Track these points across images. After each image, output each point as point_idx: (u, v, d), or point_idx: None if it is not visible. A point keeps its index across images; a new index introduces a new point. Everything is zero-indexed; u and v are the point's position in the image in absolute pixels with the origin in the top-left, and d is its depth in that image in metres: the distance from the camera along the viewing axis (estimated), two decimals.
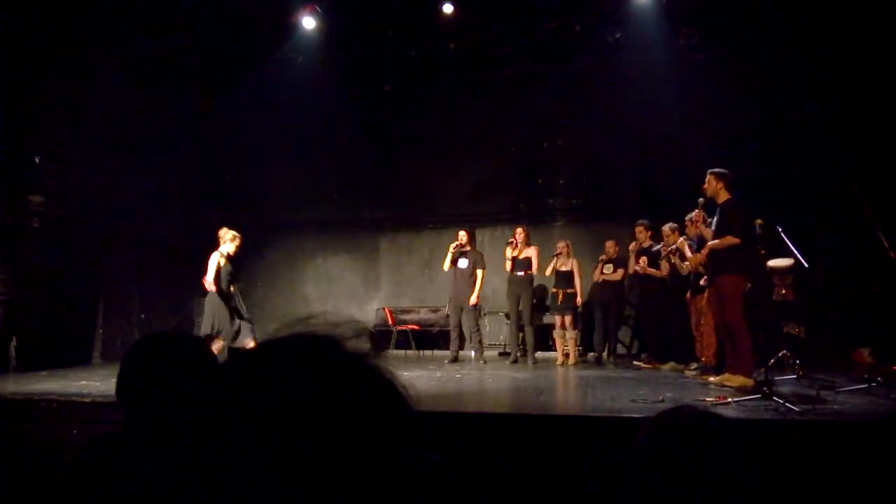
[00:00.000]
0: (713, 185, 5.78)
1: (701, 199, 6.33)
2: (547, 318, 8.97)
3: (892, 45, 7.68)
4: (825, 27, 8.03)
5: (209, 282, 6.91)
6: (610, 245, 8.40)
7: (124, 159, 8.75)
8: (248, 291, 7.23)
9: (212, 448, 0.52)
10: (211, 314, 6.85)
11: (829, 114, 8.17)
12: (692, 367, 7.02)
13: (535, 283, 8.52)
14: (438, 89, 10.30)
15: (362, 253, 11.15)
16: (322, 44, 9.46)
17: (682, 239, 7.04)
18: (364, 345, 0.64)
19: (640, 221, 8.12)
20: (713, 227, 5.87)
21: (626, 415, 4.25)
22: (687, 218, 6.79)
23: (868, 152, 7.95)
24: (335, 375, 0.57)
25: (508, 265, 8.37)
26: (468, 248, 8.64)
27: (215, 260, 6.99)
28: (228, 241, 7.12)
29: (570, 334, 8.24)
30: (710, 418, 1.23)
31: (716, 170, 5.81)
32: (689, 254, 6.72)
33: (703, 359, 6.90)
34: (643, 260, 7.82)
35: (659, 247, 7.84)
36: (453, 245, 8.50)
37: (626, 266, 8.21)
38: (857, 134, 8.06)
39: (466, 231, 8.72)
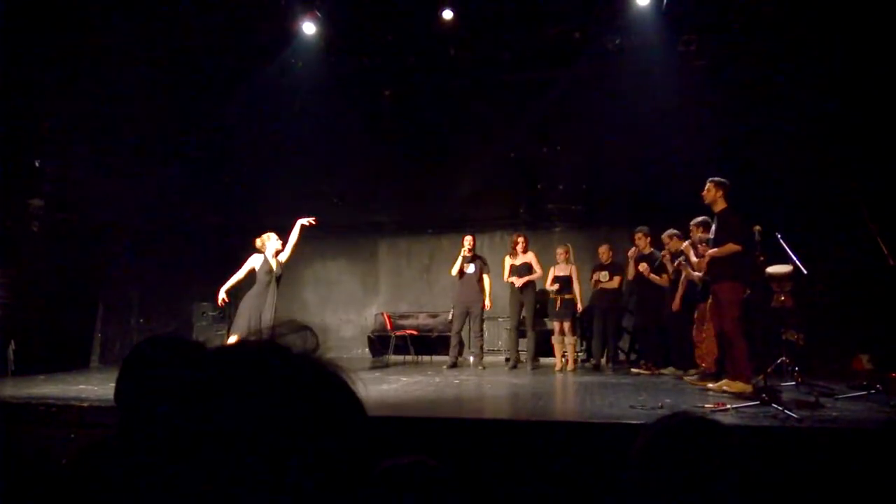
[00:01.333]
0: (712, 193, 5.80)
1: (701, 219, 6.35)
2: (547, 324, 8.96)
3: (894, 52, 7.71)
4: (825, 31, 8.05)
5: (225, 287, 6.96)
6: (603, 250, 8.40)
7: (124, 163, 8.76)
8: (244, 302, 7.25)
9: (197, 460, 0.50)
10: (246, 314, 6.79)
11: (830, 120, 8.19)
12: (691, 374, 7.01)
13: (537, 289, 8.54)
14: (438, 95, 10.33)
15: (361, 257, 11.15)
16: (322, 49, 9.48)
17: (686, 244, 7.04)
18: (308, 342, 0.61)
19: (639, 228, 8.12)
20: (712, 235, 5.89)
21: (624, 421, 4.25)
22: (693, 224, 6.84)
23: (869, 158, 7.97)
24: (278, 379, 0.55)
25: (507, 272, 8.39)
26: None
27: (251, 264, 7.01)
28: (273, 240, 7.10)
29: (569, 340, 8.24)
30: (708, 424, 1.23)
31: (716, 178, 5.83)
32: (694, 259, 6.72)
33: (703, 365, 6.89)
34: (643, 265, 7.82)
35: (660, 254, 7.84)
36: (466, 250, 8.49)
37: (623, 272, 8.23)
38: (857, 140, 8.08)
39: (473, 236, 8.73)
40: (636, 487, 1.18)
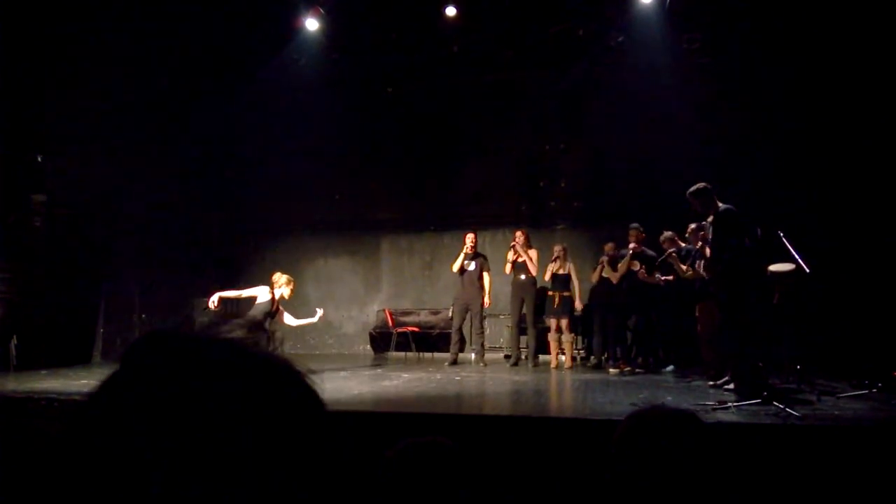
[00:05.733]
0: (698, 203, 5.74)
1: (706, 222, 6.29)
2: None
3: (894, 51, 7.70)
4: (828, 31, 8.04)
5: (216, 298, 6.85)
6: (609, 247, 8.34)
7: (126, 159, 8.76)
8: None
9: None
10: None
11: (833, 117, 8.18)
12: (693, 372, 7.00)
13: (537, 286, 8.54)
14: (441, 92, 10.31)
15: (363, 254, 11.16)
16: (325, 46, 9.47)
17: (701, 242, 6.97)
18: (260, 342, 0.61)
19: (633, 225, 8.04)
20: (710, 237, 5.83)
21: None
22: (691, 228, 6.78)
23: (871, 157, 7.96)
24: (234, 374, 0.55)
25: (508, 268, 8.40)
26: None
27: (256, 292, 6.97)
28: (284, 284, 7.10)
29: (567, 337, 8.21)
30: (681, 417, 1.23)
31: (693, 188, 5.71)
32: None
33: (706, 363, 6.87)
34: (635, 263, 7.77)
35: (651, 253, 7.79)
36: (468, 248, 8.49)
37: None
38: (861, 137, 8.07)
39: (475, 233, 8.74)
40: (615, 479, 1.19)
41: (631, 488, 1.16)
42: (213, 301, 6.84)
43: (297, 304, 10.96)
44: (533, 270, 8.27)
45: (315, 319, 7.42)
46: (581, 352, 9.02)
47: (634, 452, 1.17)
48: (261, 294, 6.97)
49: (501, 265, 8.61)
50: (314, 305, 11.03)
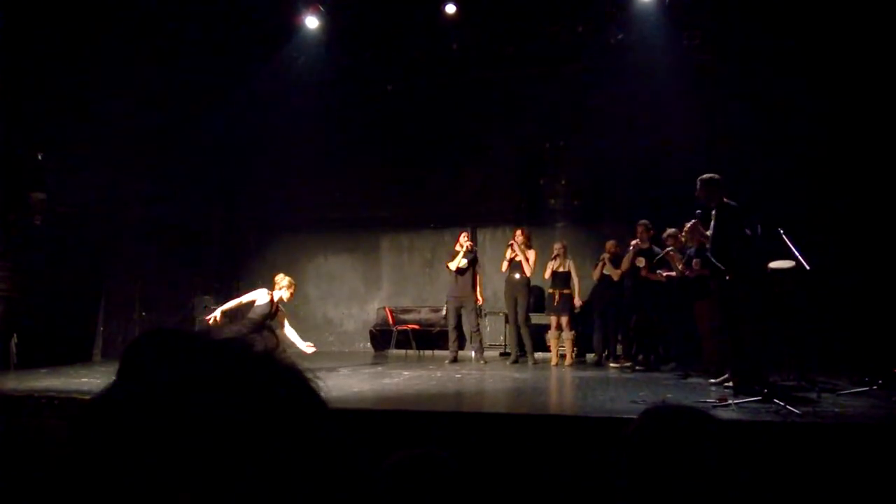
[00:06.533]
0: (704, 192, 5.73)
1: (699, 211, 6.28)
2: (543, 319, 8.92)
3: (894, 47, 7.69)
4: (828, 27, 8.03)
5: (218, 311, 6.83)
6: (611, 245, 8.33)
7: (126, 157, 8.75)
8: (248, 291, 7.21)
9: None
10: None
11: (832, 115, 8.17)
12: (694, 370, 6.99)
13: (534, 284, 8.54)
14: (441, 89, 10.30)
15: (363, 252, 11.15)
16: (324, 44, 9.46)
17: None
18: (267, 341, 0.61)
19: (641, 221, 8.00)
20: (710, 232, 5.82)
21: (626, 416, 4.25)
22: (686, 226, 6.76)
23: (871, 152, 7.96)
24: (235, 376, 0.54)
25: (504, 265, 8.40)
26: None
27: (255, 296, 6.90)
28: (285, 287, 7.03)
29: (567, 335, 8.22)
30: (695, 415, 1.23)
31: (704, 176, 5.71)
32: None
33: (706, 360, 6.87)
34: (640, 260, 7.75)
35: (659, 251, 7.75)
36: (467, 246, 8.48)
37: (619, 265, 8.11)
38: (860, 135, 8.06)
39: (468, 232, 8.75)
40: (627, 477, 1.18)
41: (650, 489, 1.15)
42: (216, 316, 6.81)
43: (298, 302, 11.00)
44: (527, 271, 8.27)
45: (304, 348, 7.06)
46: (576, 349, 8.99)
47: (653, 451, 1.17)
48: (259, 297, 6.93)
49: (501, 263, 8.62)
50: (315, 303, 11.11)
